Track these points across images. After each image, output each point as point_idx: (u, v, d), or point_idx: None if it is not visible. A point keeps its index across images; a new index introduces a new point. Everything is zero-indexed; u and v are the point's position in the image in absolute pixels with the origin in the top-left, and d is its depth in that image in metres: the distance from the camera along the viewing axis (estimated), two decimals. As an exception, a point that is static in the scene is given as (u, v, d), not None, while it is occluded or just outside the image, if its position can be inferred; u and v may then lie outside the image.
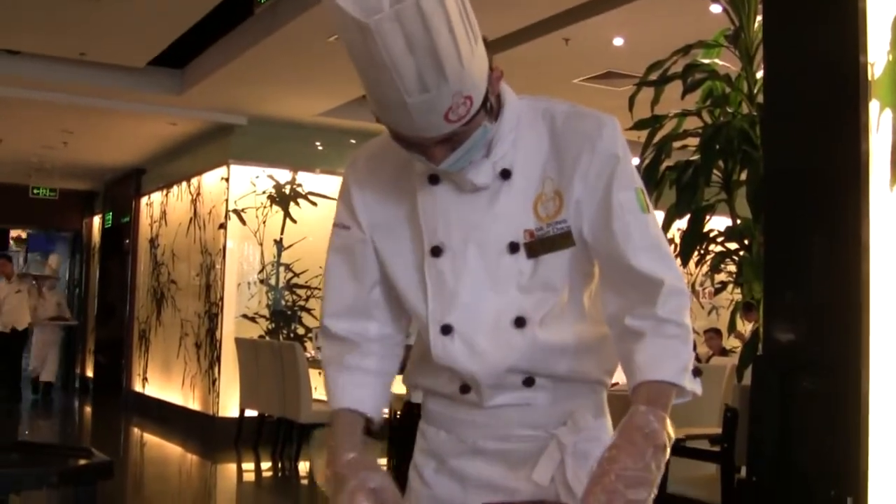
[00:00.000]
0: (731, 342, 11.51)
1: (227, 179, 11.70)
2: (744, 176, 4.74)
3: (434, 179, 1.83)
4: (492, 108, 1.72)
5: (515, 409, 1.87)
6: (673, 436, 1.59)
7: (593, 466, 1.54)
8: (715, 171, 4.76)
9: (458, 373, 1.84)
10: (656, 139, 4.94)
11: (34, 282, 15.74)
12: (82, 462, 3.25)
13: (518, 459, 1.87)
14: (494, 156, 1.79)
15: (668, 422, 1.60)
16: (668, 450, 1.58)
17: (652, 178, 4.88)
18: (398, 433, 8.74)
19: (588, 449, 1.80)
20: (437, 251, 1.82)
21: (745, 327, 9.55)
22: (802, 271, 3.42)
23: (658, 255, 1.76)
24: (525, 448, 1.87)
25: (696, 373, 1.71)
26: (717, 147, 4.69)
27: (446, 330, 1.83)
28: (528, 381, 1.84)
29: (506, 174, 1.80)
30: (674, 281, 1.74)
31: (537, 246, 1.80)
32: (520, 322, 1.80)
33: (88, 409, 14.87)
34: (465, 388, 1.87)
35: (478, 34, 1.66)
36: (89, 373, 16.65)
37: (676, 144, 4.94)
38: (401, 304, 1.95)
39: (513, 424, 1.87)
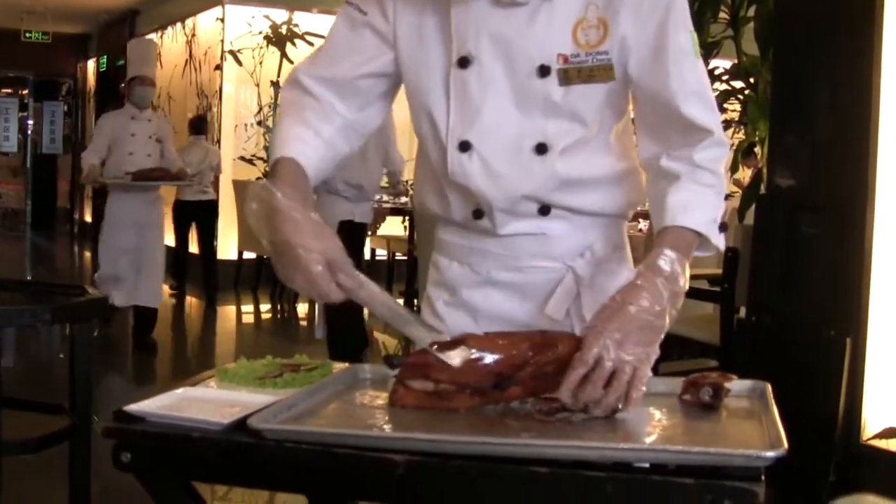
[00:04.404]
0: (730, 187, 11.46)
1: (222, 20, 11.50)
2: (751, 12, 4.63)
3: None
4: None
5: (530, 238, 1.80)
6: (687, 285, 1.57)
7: (608, 301, 1.50)
8: (722, 7, 4.65)
9: (471, 193, 1.77)
10: (662, -27, 4.81)
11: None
12: (77, 300, 3.22)
13: (532, 292, 1.82)
14: None
15: (687, 270, 1.57)
16: (682, 298, 1.56)
17: (656, 14, 4.77)
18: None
19: (605, 283, 1.76)
20: (464, 62, 1.73)
21: (745, 173, 9.48)
22: (809, 110, 3.36)
23: (707, 104, 1.71)
24: (540, 280, 1.81)
25: (722, 227, 1.68)
26: (726, -19, 4.58)
27: (465, 147, 1.74)
28: (544, 210, 1.77)
29: None
30: (719, 133, 1.70)
31: (573, 73, 1.70)
32: (541, 149, 1.73)
33: (87, 255, 14.88)
34: (477, 213, 1.80)
35: None
36: (87, 217, 16.64)
37: (683, -22, 4.82)
38: (377, 109, 1.86)
39: (527, 254, 1.81)
